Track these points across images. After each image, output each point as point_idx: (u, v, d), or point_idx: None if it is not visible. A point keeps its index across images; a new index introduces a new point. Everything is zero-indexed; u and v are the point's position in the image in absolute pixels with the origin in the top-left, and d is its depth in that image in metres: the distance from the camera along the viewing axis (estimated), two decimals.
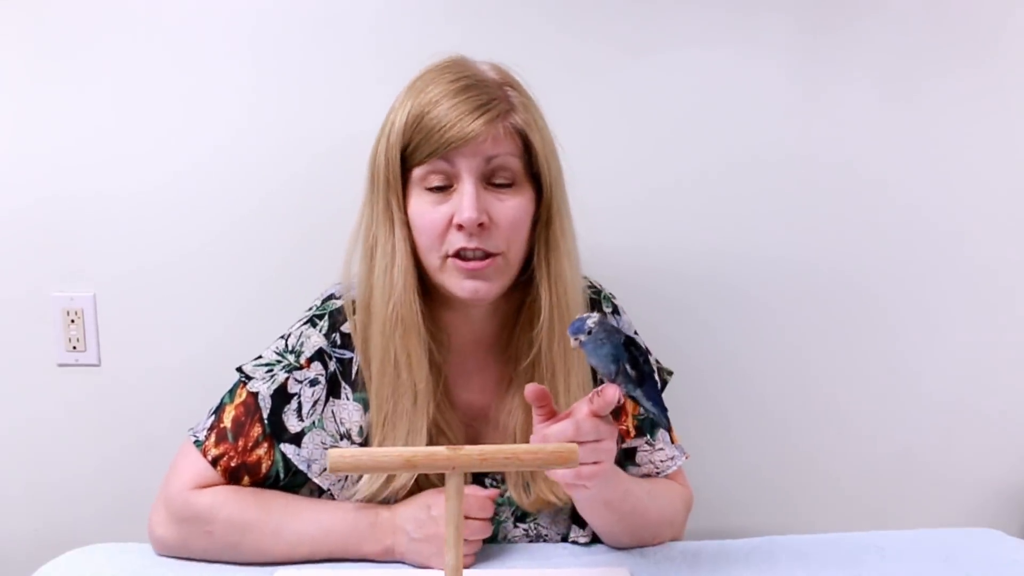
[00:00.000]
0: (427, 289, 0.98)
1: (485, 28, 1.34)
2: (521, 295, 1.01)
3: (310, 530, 0.96)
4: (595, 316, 0.84)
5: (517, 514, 1.03)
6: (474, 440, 1.02)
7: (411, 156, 0.93)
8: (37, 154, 1.35)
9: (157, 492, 1.00)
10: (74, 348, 1.40)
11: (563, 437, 0.82)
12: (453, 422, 0.99)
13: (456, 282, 0.94)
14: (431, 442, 0.96)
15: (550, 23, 1.34)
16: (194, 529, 0.96)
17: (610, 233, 1.39)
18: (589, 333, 0.84)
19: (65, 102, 1.34)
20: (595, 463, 0.84)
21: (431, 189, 0.93)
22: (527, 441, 0.89)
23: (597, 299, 1.08)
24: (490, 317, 1.02)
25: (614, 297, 1.10)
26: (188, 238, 1.37)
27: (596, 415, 0.84)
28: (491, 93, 0.93)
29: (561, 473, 0.84)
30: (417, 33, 1.33)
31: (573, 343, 0.85)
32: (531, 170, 0.96)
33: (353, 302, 1.00)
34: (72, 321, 1.39)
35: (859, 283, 1.42)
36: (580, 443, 0.81)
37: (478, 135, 0.90)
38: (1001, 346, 1.46)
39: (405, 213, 0.95)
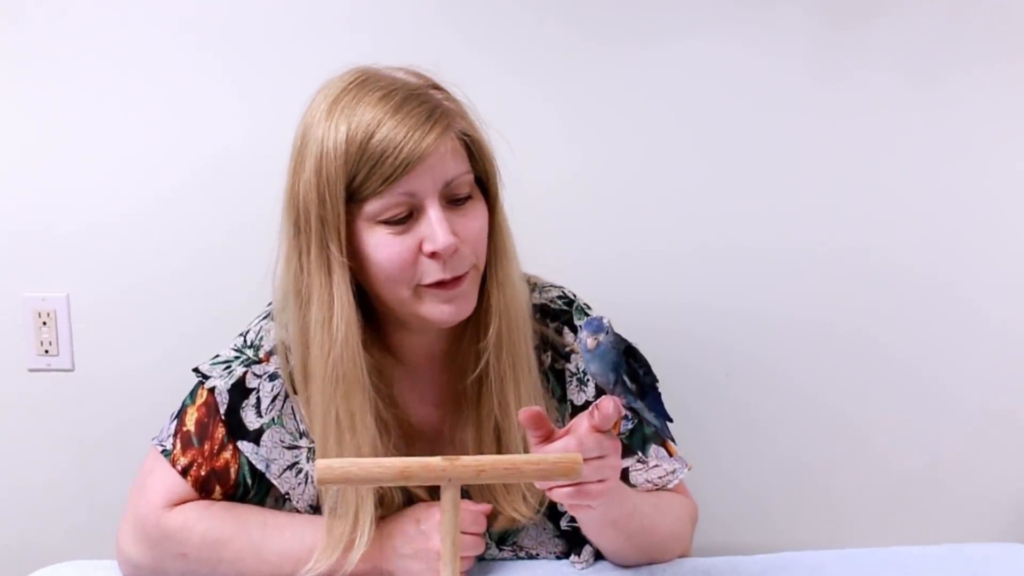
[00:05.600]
0: (372, 317, 0.96)
1: (474, 17, 1.33)
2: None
3: (293, 548, 0.95)
4: (604, 318, 0.84)
5: (495, 537, 1.03)
6: None
7: (360, 189, 0.88)
8: (8, 148, 1.35)
9: (124, 510, 0.99)
10: (46, 352, 1.39)
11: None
12: (403, 448, 0.97)
13: (434, 308, 0.92)
14: None
15: (545, 10, 1.33)
16: (168, 551, 0.96)
17: (612, 236, 1.39)
18: (607, 333, 0.82)
19: (38, 101, 1.34)
20: (600, 481, 0.83)
21: (388, 222, 0.89)
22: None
23: (568, 309, 1.06)
24: (445, 330, 0.99)
25: (589, 307, 1.07)
26: (167, 237, 1.37)
27: (598, 430, 0.83)
28: (428, 100, 0.90)
29: (563, 492, 0.83)
30: (403, 23, 1.33)
31: (591, 343, 0.83)
32: (476, 175, 0.95)
33: (287, 350, 0.97)
34: (44, 323, 1.38)
35: (881, 288, 1.42)
36: (584, 460, 0.79)
37: (435, 151, 0.88)
38: None
39: (344, 254, 0.89)
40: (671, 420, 0.89)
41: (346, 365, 0.90)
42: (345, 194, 0.88)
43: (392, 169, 0.87)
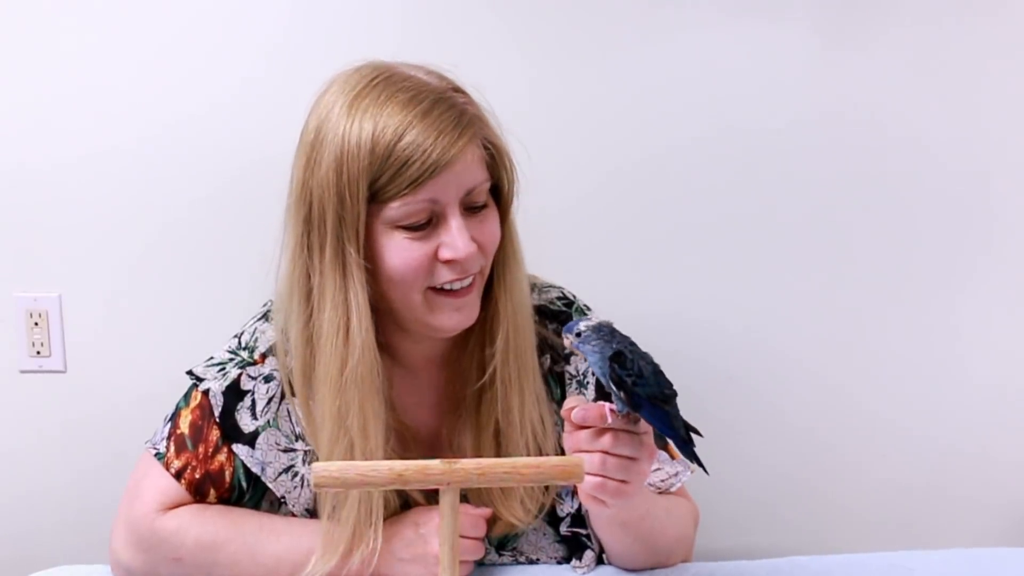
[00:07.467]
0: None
1: (483, 18, 1.33)
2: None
3: (290, 552, 0.95)
4: (591, 321, 0.84)
5: (494, 542, 1.02)
6: None
7: (382, 190, 0.87)
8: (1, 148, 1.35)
9: (117, 514, 0.99)
10: (38, 353, 1.39)
11: (598, 446, 0.82)
12: (400, 452, 0.97)
13: (443, 316, 0.93)
14: None
15: (555, 10, 1.33)
16: (162, 555, 0.95)
17: (615, 235, 1.39)
18: (578, 335, 0.83)
19: (31, 99, 1.33)
20: (622, 481, 0.84)
21: (407, 227, 0.89)
22: None
23: (568, 310, 1.06)
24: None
25: (588, 308, 1.07)
26: (161, 235, 1.37)
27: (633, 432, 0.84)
28: (455, 106, 0.90)
29: (586, 482, 0.83)
30: (396, 15, 1.33)
31: (566, 343, 0.85)
32: (493, 182, 0.95)
33: (286, 349, 0.96)
34: (36, 324, 1.38)
35: (886, 292, 1.42)
36: (613, 455, 0.82)
37: (461, 158, 0.88)
38: None
39: (362, 255, 0.89)
40: (687, 436, 0.84)
41: (364, 368, 0.90)
42: (368, 193, 0.88)
43: (419, 173, 0.86)
